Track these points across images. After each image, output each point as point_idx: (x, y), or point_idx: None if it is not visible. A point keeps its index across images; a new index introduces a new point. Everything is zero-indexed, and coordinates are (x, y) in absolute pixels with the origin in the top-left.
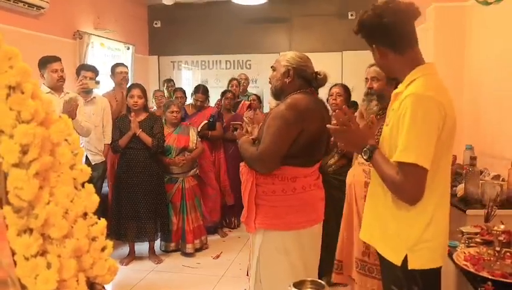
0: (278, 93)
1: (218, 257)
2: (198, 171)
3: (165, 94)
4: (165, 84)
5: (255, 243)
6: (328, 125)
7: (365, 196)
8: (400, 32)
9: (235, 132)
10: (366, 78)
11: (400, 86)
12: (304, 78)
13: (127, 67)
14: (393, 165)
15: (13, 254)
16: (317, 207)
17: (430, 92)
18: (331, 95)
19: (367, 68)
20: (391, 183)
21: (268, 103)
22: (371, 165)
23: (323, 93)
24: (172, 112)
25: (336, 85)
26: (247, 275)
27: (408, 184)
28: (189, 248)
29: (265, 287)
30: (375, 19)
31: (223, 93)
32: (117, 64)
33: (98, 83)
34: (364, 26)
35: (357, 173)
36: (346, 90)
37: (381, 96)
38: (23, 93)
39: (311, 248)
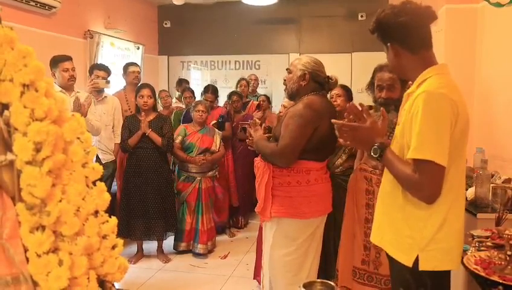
0: (294, 95)
1: (225, 257)
2: (217, 173)
3: (176, 94)
4: (182, 84)
5: (268, 231)
6: (333, 120)
7: (366, 203)
8: (417, 33)
9: (243, 131)
10: (379, 85)
11: (412, 86)
12: (317, 82)
13: (140, 67)
14: (407, 163)
15: (26, 250)
16: (327, 199)
17: (442, 89)
18: (332, 98)
19: (377, 73)
20: (408, 182)
21: (283, 104)
22: (373, 172)
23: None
24: (198, 110)
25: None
26: (254, 278)
27: (426, 182)
28: (202, 248)
29: (276, 272)
30: (394, 18)
31: (229, 96)
32: (129, 64)
33: (108, 82)
34: (382, 24)
35: (359, 179)
36: (345, 91)
37: (397, 105)
38: (37, 91)
39: (317, 235)
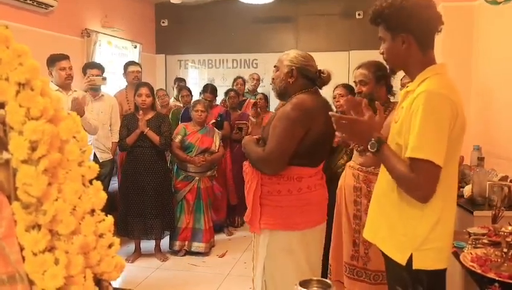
0: (282, 94)
1: (223, 255)
2: (215, 172)
3: (175, 93)
4: (176, 83)
5: (261, 243)
6: (330, 113)
7: (354, 200)
8: (432, 30)
9: (238, 131)
10: (355, 82)
11: (411, 84)
12: (307, 78)
13: (140, 66)
14: (404, 161)
15: (21, 249)
16: (322, 207)
17: (443, 90)
18: (334, 98)
19: (354, 70)
20: (403, 180)
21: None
22: (360, 169)
23: (328, 94)
24: (197, 110)
25: (337, 86)
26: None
27: (422, 181)
28: (205, 247)
29: (270, 286)
30: (423, 8)
31: (226, 93)
32: (129, 63)
33: (104, 79)
34: (409, 10)
35: (347, 176)
36: (349, 90)
37: (371, 99)
38: (32, 90)
39: (315, 246)
